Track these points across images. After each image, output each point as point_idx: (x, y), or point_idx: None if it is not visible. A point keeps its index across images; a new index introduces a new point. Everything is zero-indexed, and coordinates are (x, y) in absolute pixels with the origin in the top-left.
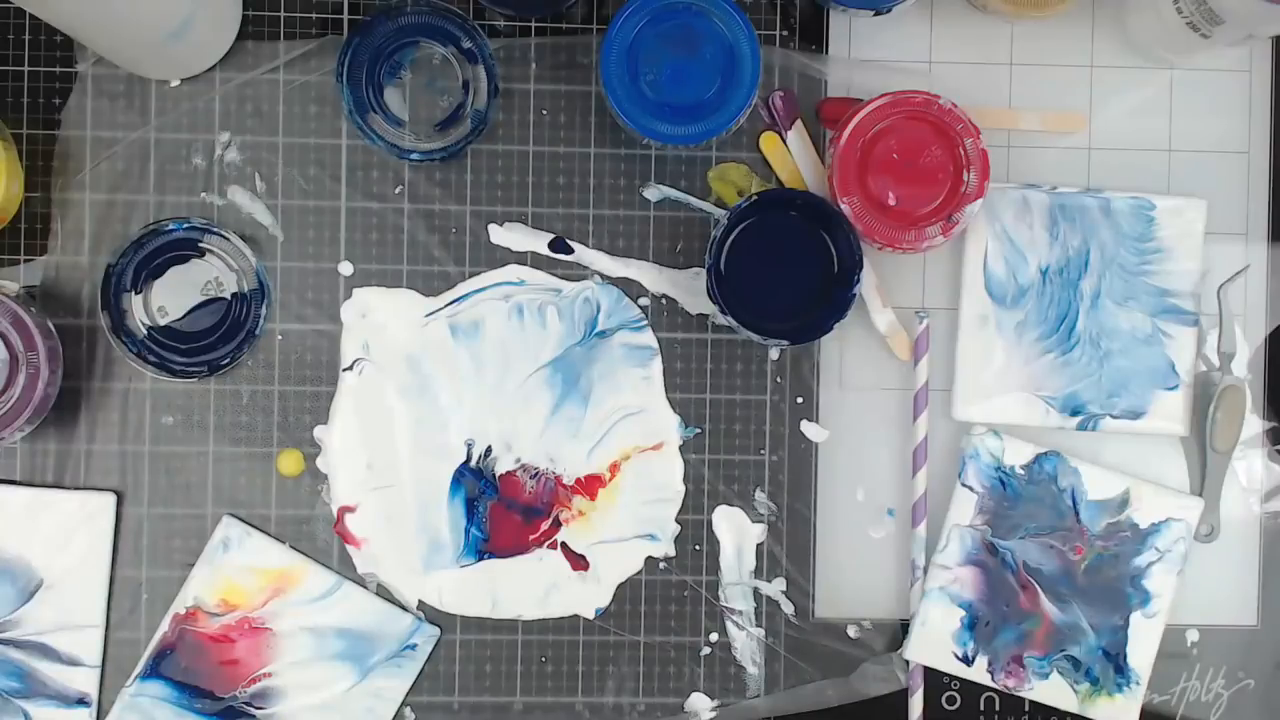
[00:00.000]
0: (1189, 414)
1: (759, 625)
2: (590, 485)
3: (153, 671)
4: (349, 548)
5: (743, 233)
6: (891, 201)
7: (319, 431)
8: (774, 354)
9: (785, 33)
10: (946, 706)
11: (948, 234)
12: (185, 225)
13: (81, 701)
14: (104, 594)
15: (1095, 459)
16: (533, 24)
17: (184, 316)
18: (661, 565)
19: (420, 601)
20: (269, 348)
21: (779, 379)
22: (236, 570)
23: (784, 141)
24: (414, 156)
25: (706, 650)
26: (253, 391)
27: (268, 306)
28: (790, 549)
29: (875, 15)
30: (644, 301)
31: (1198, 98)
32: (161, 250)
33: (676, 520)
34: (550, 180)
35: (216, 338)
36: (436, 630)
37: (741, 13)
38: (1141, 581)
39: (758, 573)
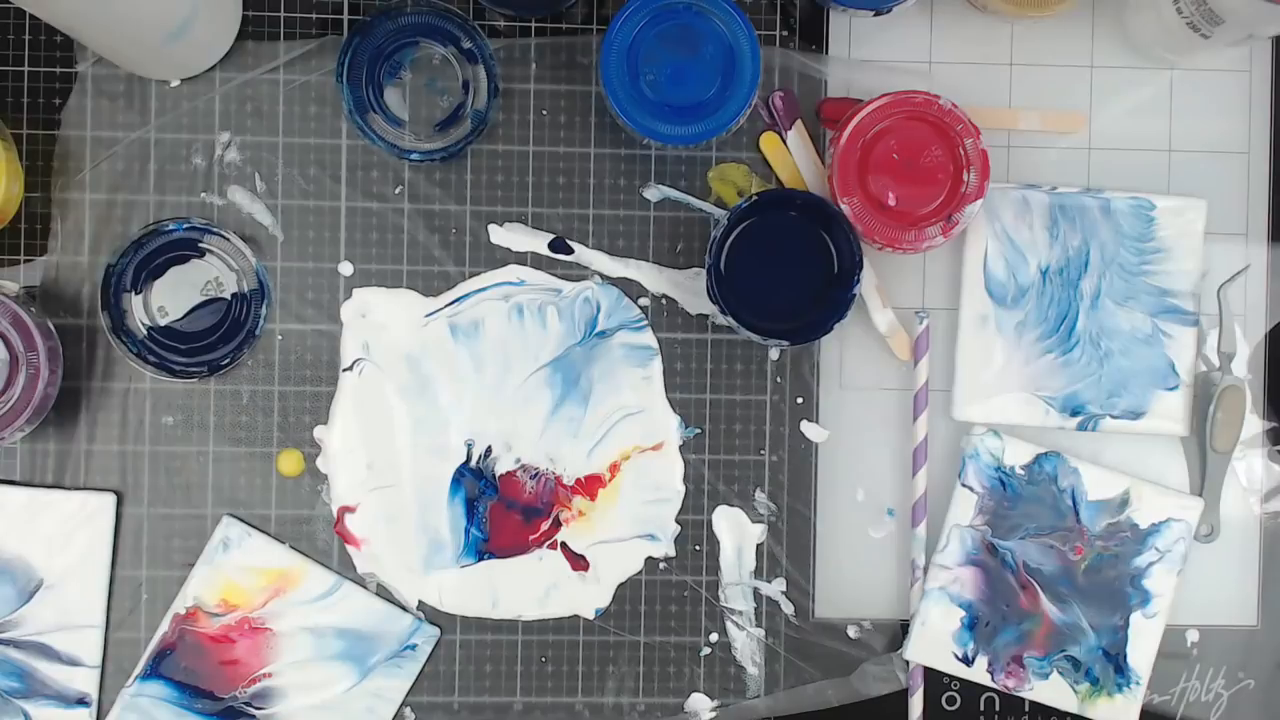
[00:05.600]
0: (1189, 414)
1: (759, 625)
2: (590, 485)
3: (153, 671)
4: (349, 548)
5: (743, 233)
6: (891, 201)
7: (319, 431)
8: (774, 354)
9: (785, 33)
10: (946, 707)
11: (948, 234)
12: (185, 225)
13: (81, 701)
14: (104, 594)
15: (1095, 459)
16: (533, 24)
17: (184, 316)
18: (661, 565)
19: (420, 601)
20: (269, 348)
21: (779, 379)
22: (236, 570)
23: (784, 141)
24: (414, 156)
25: (706, 650)
26: (253, 391)
27: (268, 306)
28: (790, 549)
29: (875, 15)
30: (644, 301)
31: (1198, 98)
32: (161, 250)
33: (676, 520)
34: (550, 180)
35: (216, 338)
36: (436, 630)
37: (741, 13)
38: (1141, 581)
39: (758, 573)
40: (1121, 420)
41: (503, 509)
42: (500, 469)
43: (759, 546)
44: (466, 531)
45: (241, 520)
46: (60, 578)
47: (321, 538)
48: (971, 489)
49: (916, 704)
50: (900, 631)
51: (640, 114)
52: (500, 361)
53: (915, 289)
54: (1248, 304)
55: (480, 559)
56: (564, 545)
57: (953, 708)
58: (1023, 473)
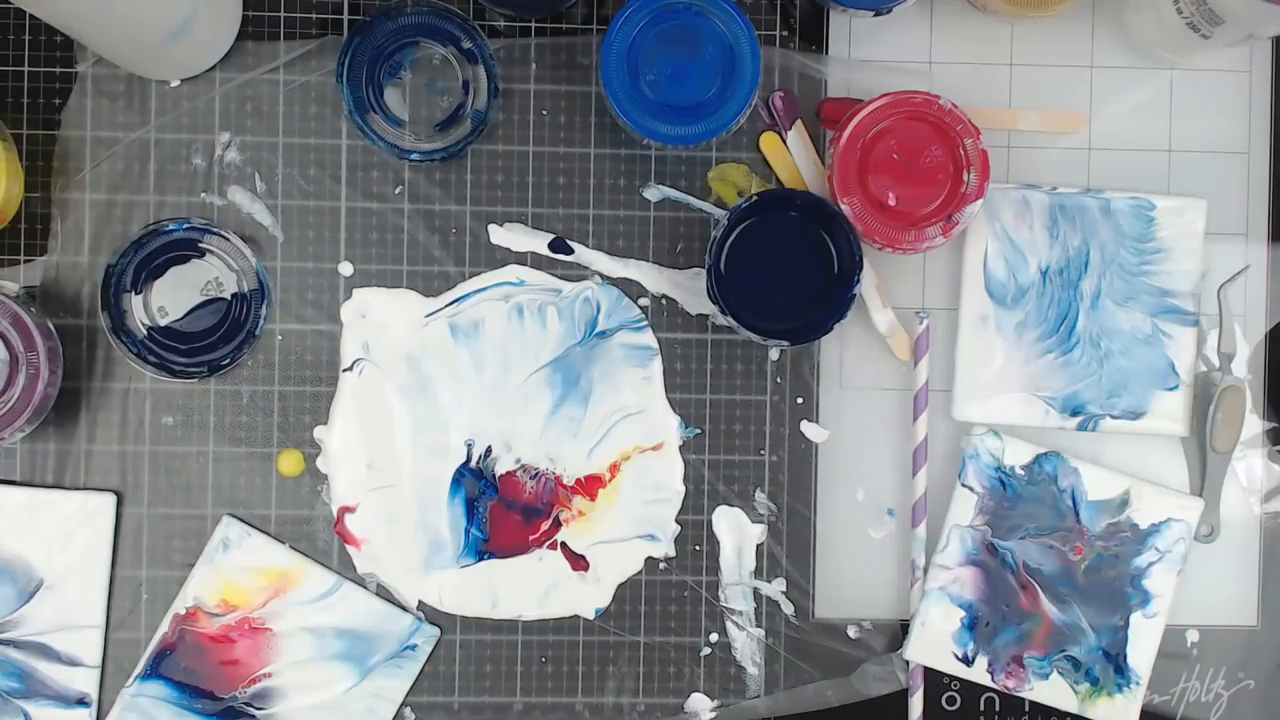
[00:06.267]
0: (1189, 414)
1: (759, 625)
2: (590, 485)
3: (153, 671)
4: (349, 548)
5: (743, 233)
6: (891, 202)
7: (319, 431)
8: (774, 354)
9: (785, 33)
10: (946, 707)
11: (948, 234)
12: (185, 225)
13: (81, 701)
14: (104, 594)
15: (1095, 459)
16: (533, 24)
17: (184, 317)
18: (661, 565)
19: (420, 601)
20: (269, 348)
21: (779, 379)
22: (236, 570)
23: (784, 141)
24: (414, 157)
25: (706, 650)
26: (253, 391)
27: (268, 306)
28: (790, 549)
29: (875, 15)
30: (644, 301)
31: (1198, 98)
32: (161, 250)
33: (676, 520)
34: (550, 180)
35: (216, 338)
36: (436, 630)
37: (741, 13)
38: (1141, 582)
39: (758, 573)
40: (1121, 420)
41: (503, 509)
42: (500, 469)
43: (759, 546)
44: (466, 531)
45: (241, 520)
46: (60, 578)
47: (321, 538)
48: (971, 489)
49: (916, 704)
50: (900, 631)
51: (640, 114)
52: (500, 361)
53: (915, 289)
54: (1248, 304)
55: (480, 559)
56: (564, 545)
57: (953, 708)
58: (1023, 473)
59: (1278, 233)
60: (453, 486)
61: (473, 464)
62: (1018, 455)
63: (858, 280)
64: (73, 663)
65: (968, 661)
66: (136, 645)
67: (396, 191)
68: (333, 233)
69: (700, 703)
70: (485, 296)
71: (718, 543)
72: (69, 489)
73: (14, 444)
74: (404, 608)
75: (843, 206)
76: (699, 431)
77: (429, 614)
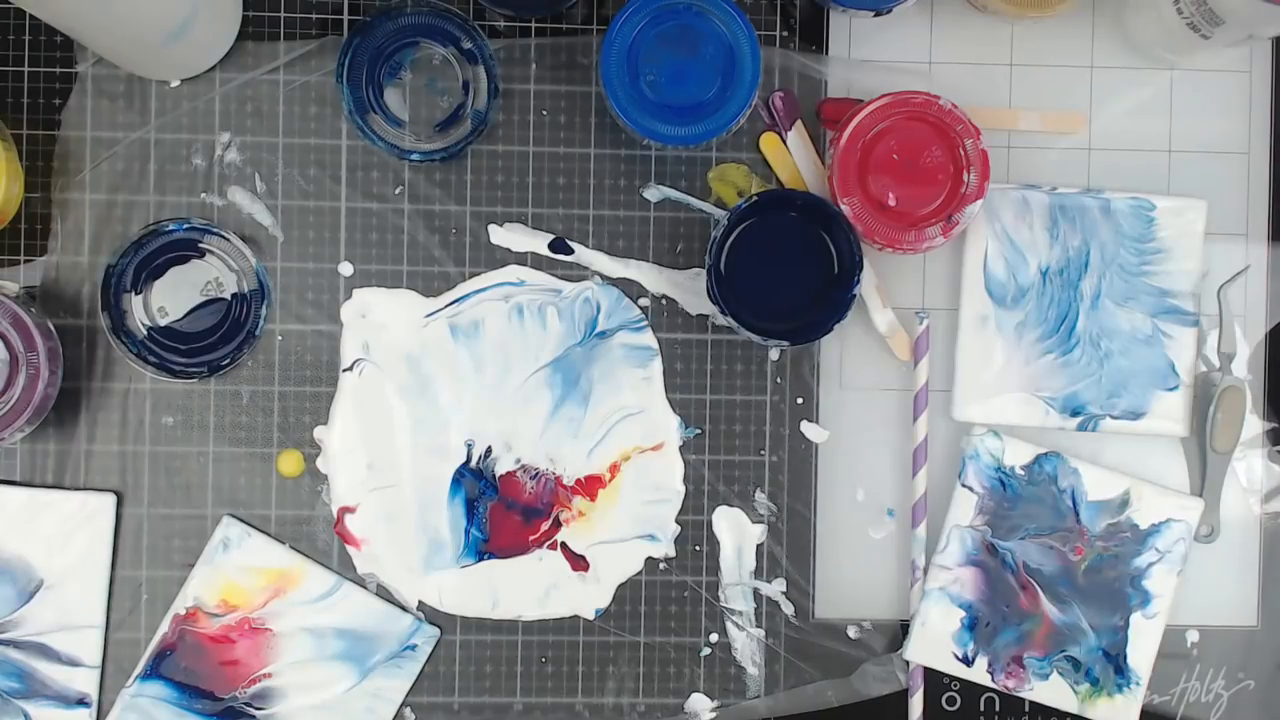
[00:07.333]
0: (1189, 414)
1: (759, 626)
2: (590, 485)
3: (153, 672)
4: (349, 548)
5: (743, 233)
6: (891, 202)
7: (319, 432)
8: (774, 354)
9: (785, 33)
10: (946, 707)
11: (948, 234)
12: (185, 225)
13: (81, 702)
14: (104, 594)
15: (1095, 459)
16: (533, 24)
17: (184, 317)
18: (661, 566)
19: (420, 602)
20: (269, 348)
21: (779, 379)
22: (236, 570)
23: (784, 142)
24: (414, 157)
25: (706, 651)
26: (253, 392)
27: (268, 307)
28: (790, 549)
29: (875, 15)
30: (644, 302)
31: (1198, 98)
32: (161, 250)
33: (676, 521)
34: (550, 180)
35: (216, 338)
36: (436, 630)
37: (741, 13)
38: (1141, 582)
39: (758, 573)
40: (1121, 420)
41: (503, 509)
42: (500, 469)
43: (759, 547)
44: (466, 532)
45: (241, 520)
46: (60, 578)
47: (321, 538)
48: (971, 489)
49: (916, 704)
50: (900, 632)
51: (640, 114)
52: (500, 362)
53: (915, 289)
54: (1248, 304)
55: (480, 559)
56: (564, 545)
57: (953, 708)
58: (1023, 473)
59: (1278, 233)
60: (453, 486)
61: (473, 464)
62: (1018, 455)
63: (858, 280)
64: (73, 663)
65: (968, 662)
66: (136, 645)
67: (396, 191)
68: (333, 233)
69: (700, 703)
70: (485, 297)
71: (718, 543)
72: (69, 489)
73: (14, 444)
74: (404, 608)
75: (843, 206)
76: (699, 431)
77: (429, 614)
